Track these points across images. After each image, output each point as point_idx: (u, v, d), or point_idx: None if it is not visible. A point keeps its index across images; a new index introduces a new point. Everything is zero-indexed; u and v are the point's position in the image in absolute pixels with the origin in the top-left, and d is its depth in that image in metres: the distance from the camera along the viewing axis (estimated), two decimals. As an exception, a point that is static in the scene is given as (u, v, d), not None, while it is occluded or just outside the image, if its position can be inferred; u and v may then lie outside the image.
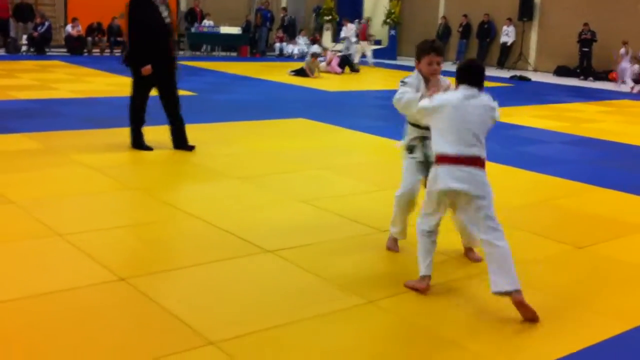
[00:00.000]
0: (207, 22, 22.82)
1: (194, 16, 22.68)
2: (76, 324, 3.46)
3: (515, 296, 3.83)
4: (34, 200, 5.54)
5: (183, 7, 23.49)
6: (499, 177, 7.32)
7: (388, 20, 24.76)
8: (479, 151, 4.04)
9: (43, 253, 4.45)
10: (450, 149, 4.00)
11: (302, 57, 19.98)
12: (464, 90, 4.06)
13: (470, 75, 4.11)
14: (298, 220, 5.42)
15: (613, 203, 6.50)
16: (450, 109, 4.03)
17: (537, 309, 3.82)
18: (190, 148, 7.59)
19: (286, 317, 3.68)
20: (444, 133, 4.04)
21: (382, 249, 4.89)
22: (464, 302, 4.05)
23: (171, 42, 7.57)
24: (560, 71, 21.43)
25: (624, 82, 18.53)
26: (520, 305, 3.83)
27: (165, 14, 7.31)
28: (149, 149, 7.54)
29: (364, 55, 21.82)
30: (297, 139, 8.98)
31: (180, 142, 7.63)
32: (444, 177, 4.01)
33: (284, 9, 25.35)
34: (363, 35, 21.87)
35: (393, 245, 4.89)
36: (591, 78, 20.25)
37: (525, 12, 22.32)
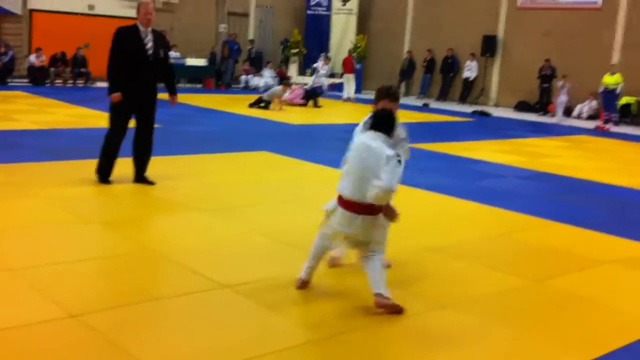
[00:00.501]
0: (173, 54, 22.82)
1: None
2: (24, 363, 3.39)
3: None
4: (-13, 233, 5.43)
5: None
6: (459, 211, 7.41)
7: (354, 54, 25.04)
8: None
9: (-6, 289, 4.35)
10: (347, 192, 4.29)
11: (267, 89, 20.07)
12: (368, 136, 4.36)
13: (377, 123, 4.40)
14: (259, 254, 5.40)
15: (569, 237, 6.60)
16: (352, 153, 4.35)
17: (497, 343, 3.86)
18: (151, 183, 7.51)
19: (245, 353, 3.64)
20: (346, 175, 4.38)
21: (342, 283, 4.89)
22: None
23: (156, 74, 7.43)
24: (521, 106, 21.83)
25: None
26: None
27: (149, 45, 7.28)
28: (107, 182, 7.40)
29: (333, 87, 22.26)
30: (259, 172, 8.98)
31: (142, 176, 7.54)
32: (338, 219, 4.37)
33: (251, 41, 25.49)
34: (349, 67, 22.21)
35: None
36: (550, 113, 20.68)
37: (488, 47, 22.78)
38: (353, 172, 4.34)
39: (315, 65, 22.60)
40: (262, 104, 17.27)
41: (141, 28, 7.29)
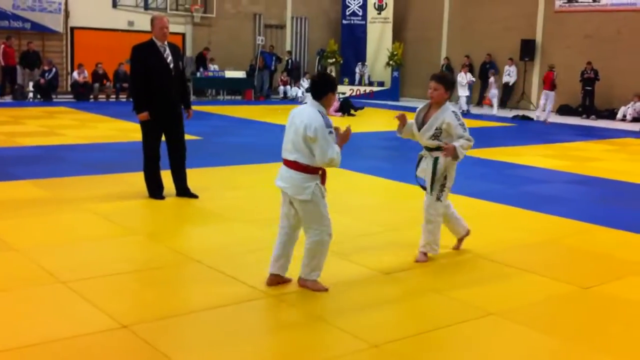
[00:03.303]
0: (212, 67, 23.11)
1: (201, 61, 22.96)
2: (78, 373, 3.44)
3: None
4: (36, 247, 5.55)
5: (188, 52, 23.80)
6: (503, 217, 7.32)
7: (391, 62, 25.01)
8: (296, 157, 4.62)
9: (44, 300, 4.44)
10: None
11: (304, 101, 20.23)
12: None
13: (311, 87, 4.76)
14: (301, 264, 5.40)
15: (618, 242, 6.46)
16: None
17: (544, 352, 3.79)
18: (194, 196, 7.55)
19: (289, 363, 3.65)
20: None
21: (385, 292, 4.86)
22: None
23: (178, 87, 7.42)
24: (563, 110, 21.52)
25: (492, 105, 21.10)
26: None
27: (169, 59, 7.34)
28: (161, 197, 7.44)
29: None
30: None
31: (184, 189, 7.59)
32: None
33: (288, 52, 25.67)
34: (548, 84, 19.31)
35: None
36: (594, 116, 20.33)
37: (527, 52, 22.53)
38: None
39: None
40: None
41: (158, 42, 7.27)
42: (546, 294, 4.96)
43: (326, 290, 4.75)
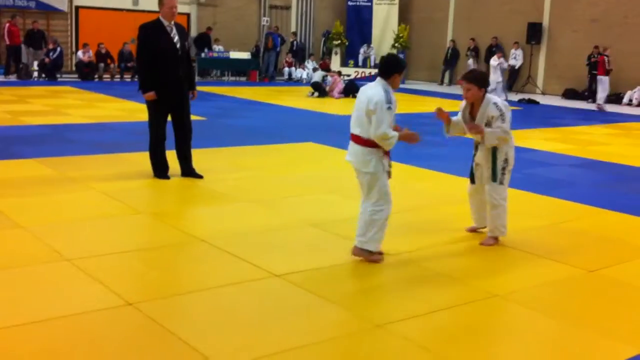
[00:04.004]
0: (217, 48, 23.04)
1: (205, 41, 22.81)
2: (85, 350, 3.47)
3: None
4: (43, 225, 5.57)
5: (193, 33, 23.71)
6: (508, 200, 7.30)
7: (396, 44, 24.89)
8: (359, 130, 4.87)
9: (52, 278, 4.47)
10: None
11: (310, 82, 20.16)
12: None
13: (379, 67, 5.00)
14: (307, 244, 5.43)
15: (622, 226, 6.47)
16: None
17: (548, 334, 3.81)
18: (199, 176, 7.56)
19: (295, 341, 3.67)
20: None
21: (392, 273, 4.88)
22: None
23: (184, 67, 7.40)
24: (568, 94, 21.43)
25: None
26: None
27: (176, 38, 7.30)
28: (166, 177, 7.45)
29: None
30: (305, 163, 9.01)
31: (189, 170, 7.60)
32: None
33: (294, 33, 25.55)
34: (602, 69, 18.72)
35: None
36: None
37: (533, 35, 22.39)
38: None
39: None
40: (316, 94, 18.30)
41: (165, 22, 7.23)
42: (551, 276, 4.97)
43: (379, 261, 4.94)
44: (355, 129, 4.95)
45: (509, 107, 5.59)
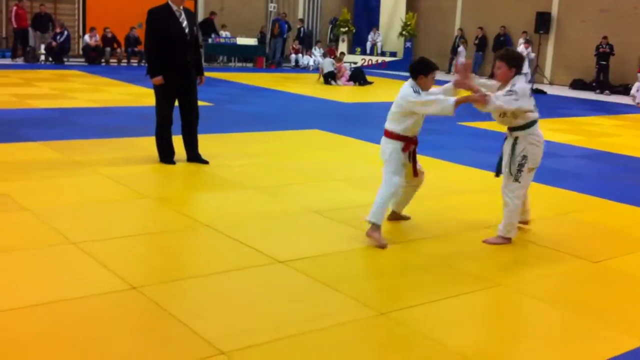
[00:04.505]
0: (223, 33, 22.98)
1: (209, 26, 22.68)
2: (88, 333, 3.48)
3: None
4: (49, 208, 5.58)
5: (200, 18, 23.66)
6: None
7: (404, 32, 24.81)
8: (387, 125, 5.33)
9: (57, 261, 4.48)
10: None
11: (317, 68, 20.14)
12: None
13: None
14: (311, 231, 5.43)
15: (629, 218, 6.45)
16: None
17: (552, 323, 3.81)
18: (205, 162, 7.56)
19: (297, 328, 3.67)
20: None
21: (395, 261, 4.88)
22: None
23: (192, 52, 7.38)
24: (576, 84, 21.33)
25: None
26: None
27: (184, 23, 7.26)
28: (172, 162, 7.44)
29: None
30: (311, 150, 9.00)
31: (195, 155, 7.60)
32: None
33: (301, 20, 25.46)
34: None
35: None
36: (607, 92, 20.14)
37: (542, 25, 22.26)
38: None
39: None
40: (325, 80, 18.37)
41: (174, 7, 7.20)
42: (555, 267, 4.96)
43: (382, 246, 5.08)
44: (386, 125, 5.36)
45: (529, 95, 5.23)
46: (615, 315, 4.16)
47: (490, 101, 5.04)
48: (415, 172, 5.42)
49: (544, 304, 4.23)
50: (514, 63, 5.25)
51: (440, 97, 5.10)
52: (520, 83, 5.22)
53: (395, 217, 5.78)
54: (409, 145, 5.27)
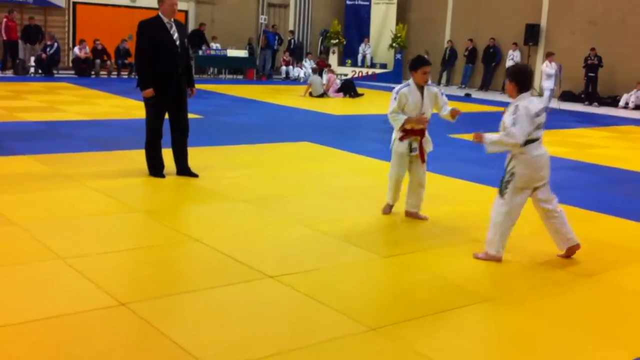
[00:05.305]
0: (214, 45, 22.99)
1: (199, 38, 22.59)
2: (76, 350, 3.45)
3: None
4: (37, 222, 5.55)
5: (190, 29, 23.67)
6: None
7: (394, 44, 24.91)
8: None
9: (44, 276, 4.44)
10: None
11: (306, 80, 20.18)
12: None
13: None
14: (300, 245, 5.42)
15: (618, 230, 6.47)
16: None
17: (544, 338, 3.81)
18: (194, 175, 7.53)
19: (287, 344, 3.66)
20: None
21: (386, 275, 4.87)
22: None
23: (183, 64, 7.36)
24: (565, 96, 21.45)
25: None
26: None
27: (175, 35, 7.25)
28: (161, 176, 7.40)
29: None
30: (301, 162, 9.00)
31: (184, 168, 7.57)
32: None
33: (291, 32, 25.53)
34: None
35: None
36: (596, 103, 20.27)
37: (531, 36, 22.41)
38: None
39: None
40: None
41: (165, 19, 7.20)
42: (544, 279, 4.96)
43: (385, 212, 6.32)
44: None
45: (534, 115, 5.06)
46: (607, 329, 4.16)
47: (484, 140, 5.19)
48: (422, 158, 6.22)
49: (536, 318, 4.22)
50: (518, 79, 5.18)
51: (400, 116, 6.05)
52: (525, 102, 5.10)
53: (413, 216, 6.31)
54: (407, 136, 6.10)
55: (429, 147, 6.32)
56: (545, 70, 17.69)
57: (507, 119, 5.11)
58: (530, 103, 5.10)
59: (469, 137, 5.52)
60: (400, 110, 6.06)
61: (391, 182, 6.35)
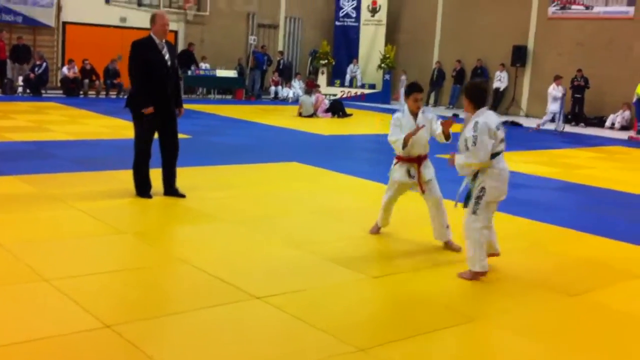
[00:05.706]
0: (203, 65, 23.04)
1: (189, 58, 22.58)
2: (59, 373, 3.41)
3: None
4: (21, 243, 5.50)
5: (180, 49, 23.73)
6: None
7: (383, 65, 25.05)
8: None
9: (29, 298, 4.40)
10: None
11: (296, 100, 20.23)
12: None
13: None
14: (288, 266, 5.40)
15: (604, 250, 6.49)
16: None
17: (530, 356, 3.80)
18: (181, 196, 7.50)
19: (273, 366, 3.63)
20: None
21: (373, 296, 4.86)
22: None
23: (172, 84, 7.38)
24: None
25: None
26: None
27: (167, 56, 7.26)
28: (148, 196, 7.37)
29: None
30: (289, 182, 8.99)
31: (172, 189, 7.53)
32: None
33: (280, 52, 25.64)
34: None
35: None
36: (582, 124, 20.43)
37: (519, 58, 22.62)
38: None
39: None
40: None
41: (156, 40, 7.22)
42: (531, 299, 4.97)
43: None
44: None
45: (493, 128, 5.15)
46: (593, 348, 4.16)
47: (458, 161, 5.28)
48: (422, 188, 6.09)
49: (522, 339, 4.22)
50: (468, 94, 5.39)
51: (399, 137, 6.01)
52: (484, 117, 5.21)
53: (446, 247, 6.10)
54: (403, 162, 6.14)
55: (428, 173, 6.11)
56: (552, 93, 17.97)
57: (467, 134, 5.18)
58: (487, 118, 5.22)
59: (447, 156, 5.53)
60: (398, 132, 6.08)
61: (382, 205, 6.38)
